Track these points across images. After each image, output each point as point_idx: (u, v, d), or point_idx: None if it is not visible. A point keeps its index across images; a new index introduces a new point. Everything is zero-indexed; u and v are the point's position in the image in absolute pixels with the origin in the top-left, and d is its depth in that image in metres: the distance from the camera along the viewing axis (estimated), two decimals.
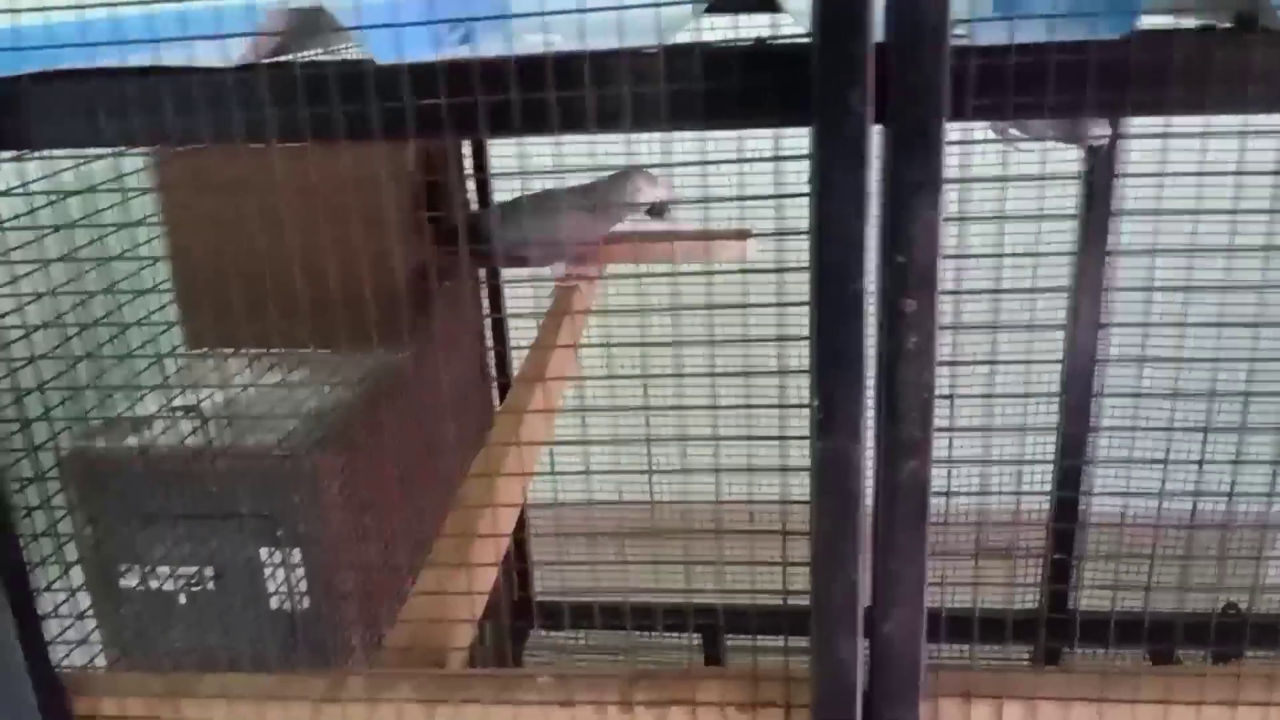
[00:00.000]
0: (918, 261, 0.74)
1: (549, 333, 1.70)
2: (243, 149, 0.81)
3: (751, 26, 1.23)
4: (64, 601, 1.07)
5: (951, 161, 0.73)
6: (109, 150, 1.04)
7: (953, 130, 0.72)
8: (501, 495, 1.24)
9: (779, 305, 0.83)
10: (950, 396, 0.81)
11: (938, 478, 0.81)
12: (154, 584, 1.50)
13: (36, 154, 0.93)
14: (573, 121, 0.77)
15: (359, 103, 0.78)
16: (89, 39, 0.78)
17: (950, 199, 0.74)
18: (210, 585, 1.51)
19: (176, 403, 1.51)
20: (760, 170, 0.82)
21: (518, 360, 2.38)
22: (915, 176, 0.72)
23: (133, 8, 0.78)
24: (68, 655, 1.06)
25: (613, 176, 1.72)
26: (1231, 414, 0.94)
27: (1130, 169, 1.92)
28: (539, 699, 0.98)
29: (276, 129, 0.79)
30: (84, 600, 1.18)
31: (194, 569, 1.50)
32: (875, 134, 0.72)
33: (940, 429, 0.79)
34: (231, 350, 1.58)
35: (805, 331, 0.78)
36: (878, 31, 0.70)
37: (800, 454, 0.84)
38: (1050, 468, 2.31)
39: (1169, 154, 0.94)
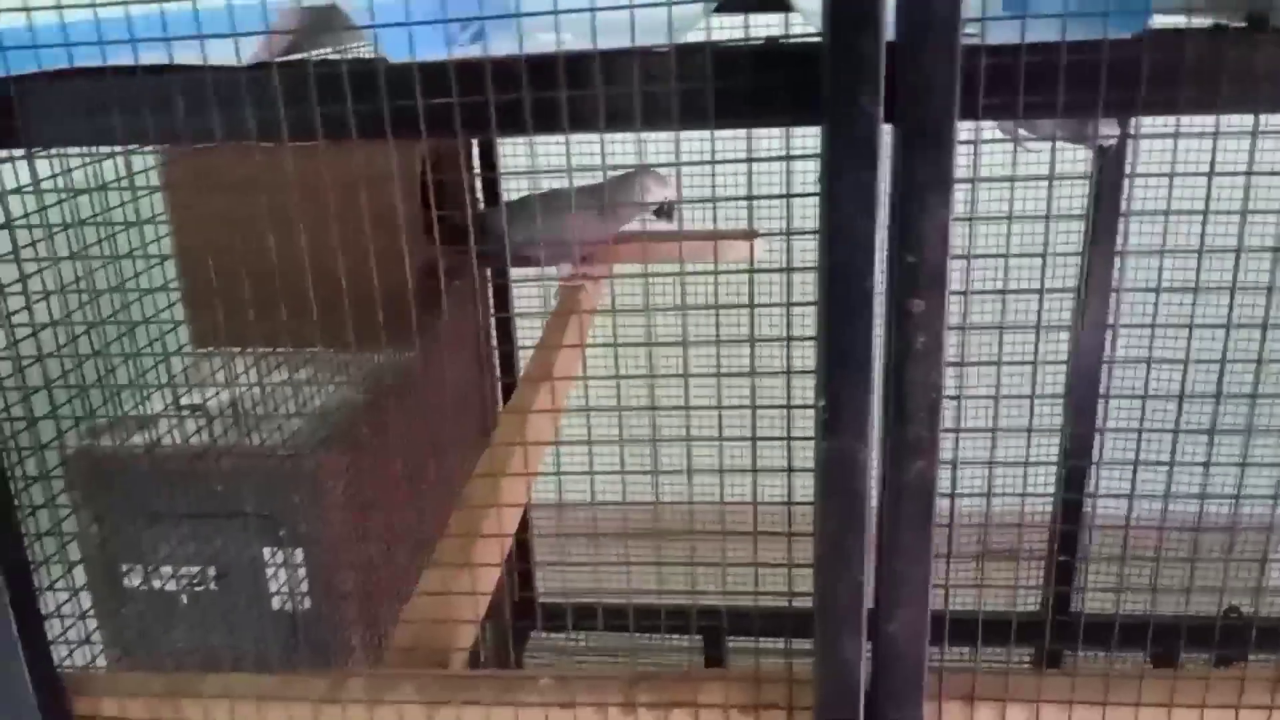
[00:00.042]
0: (927, 261, 0.74)
1: (554, 332, 1.70)
2: (249, 147, 0.82)
3: (762, 26, 1.23)
4: (66, 601, 1.07)
5: (960, 161, 0.73)
6: (105, 151, 1.04)
7: (962, 130, 0.72)
8: (505, 495, 1.23)
9: (786, 305, 0.83)
10: (958, 397, 0.81)
11: (943, 479, 0.81)
12: (157, 584, 1.50)
13: (45, 152, 0.93)
14: (583, 120, 0.77)
15: (371, 102, 0.78)
16: (102, 37, 0.78)
17: (958, 199, 0.74)
18: (213, 585, 1.50)
19: (181, 402, 1.51)
20: (769, 170, 0.82)
21: (522, 359, 2.39)
22: (925, 176, 0.72)
23: (146, 6, 0.78)
24: (69, 655, 1.06)
25: (620, 177, 1.72)
26: (1237, 416, 0.94)
27: (1139, 169, 1.92)
28: (540, 700, 0.98)
29: (288, 128, 0.79)
30: (85, 600, 1.18)
31: (197, 569, 1.50)
32: (885, 133, 0.72)
33: (947, 430, 0.79)
34: (237, 349, 1.57)
35: (811, 331, 0.78)
36: (888, 30, 0.70)
37: (805, 455, 0.84)
38: (1055, 469, 2.31)
39: (1178, 154, 0.94)
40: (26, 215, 0.94)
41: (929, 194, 0.73)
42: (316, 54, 1.09)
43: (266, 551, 1.48)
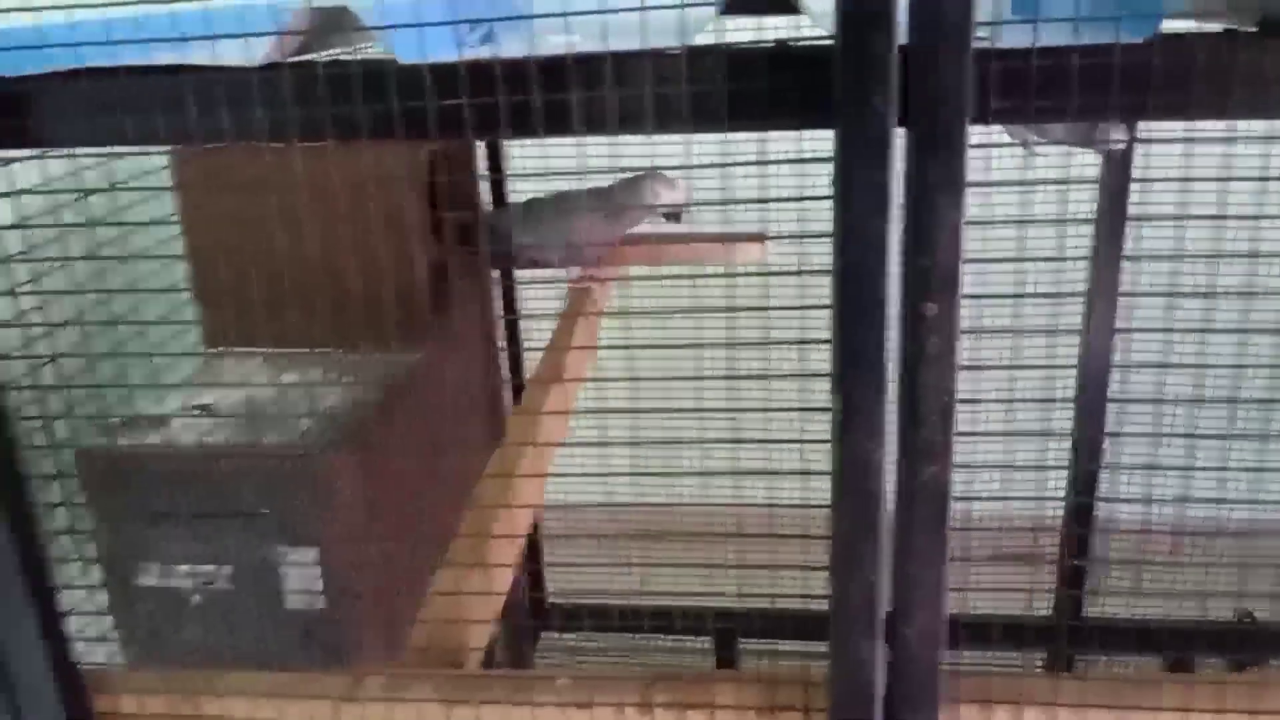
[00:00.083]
0: (940, 265, 0.74)
1: (563, 334, 1.70)
2: (259, 148, 0.82)
3: (774, 28, 1.23)
4: (85, 599, 1.07)
5: (972, 165, 0.73)
6: (103, 151, 1.04)
7: (974, 134, 0.72)
8: (519, 496, 1.24)
9: (800, 308, 0.83)
10: (971, 400, 0.81)
11: (956, 482, 0.81)
12: (169, 583, 1.51)
13: (56, 152, 0.93)
14: (594, 122, 0.77)
15: (381, 102, 0.78)
16: (113, 38, 0.79)
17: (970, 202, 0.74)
18: (225, 584, 1.51)
19: (192, 402, 1.52)
20: (782, 173, 0.82)
21: (529, 361, 2.39)
22: (938, 179, 0.72)
23: (158, 7, 0.79)
24: (89, 652, 1.06)
25: (629, 179, 1.72)
26: (1247, 420, 0.94)
27: (1150, 174, 1.92)
28: (557, 700, 0.98)
29: (299, 128, 0.79)
30: (102, 598, 1.18)
31: (209, 568, 1.50)
32: (898, 136, 0.72)
33: (960, 433, 0.79)
34: (247, 349, 1.58)
35: (825, 334, 0.78)
36: (901, 33, 0.70)
37: (819, 458, 0.84)
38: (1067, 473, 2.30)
39: (1188, 159, 0.94)
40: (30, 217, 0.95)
41: (941, 197, 0.73)
42: (327, 55, 1.10)
43: (279, 551, 1.48)
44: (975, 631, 0.90)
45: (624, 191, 1.71)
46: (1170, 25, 0.77)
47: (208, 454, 1.44)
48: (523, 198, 1.92)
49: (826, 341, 0.78)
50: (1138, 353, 2.06)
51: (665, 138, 0.79)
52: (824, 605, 0.86)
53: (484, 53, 0.78)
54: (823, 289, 0.78)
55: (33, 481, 0.97)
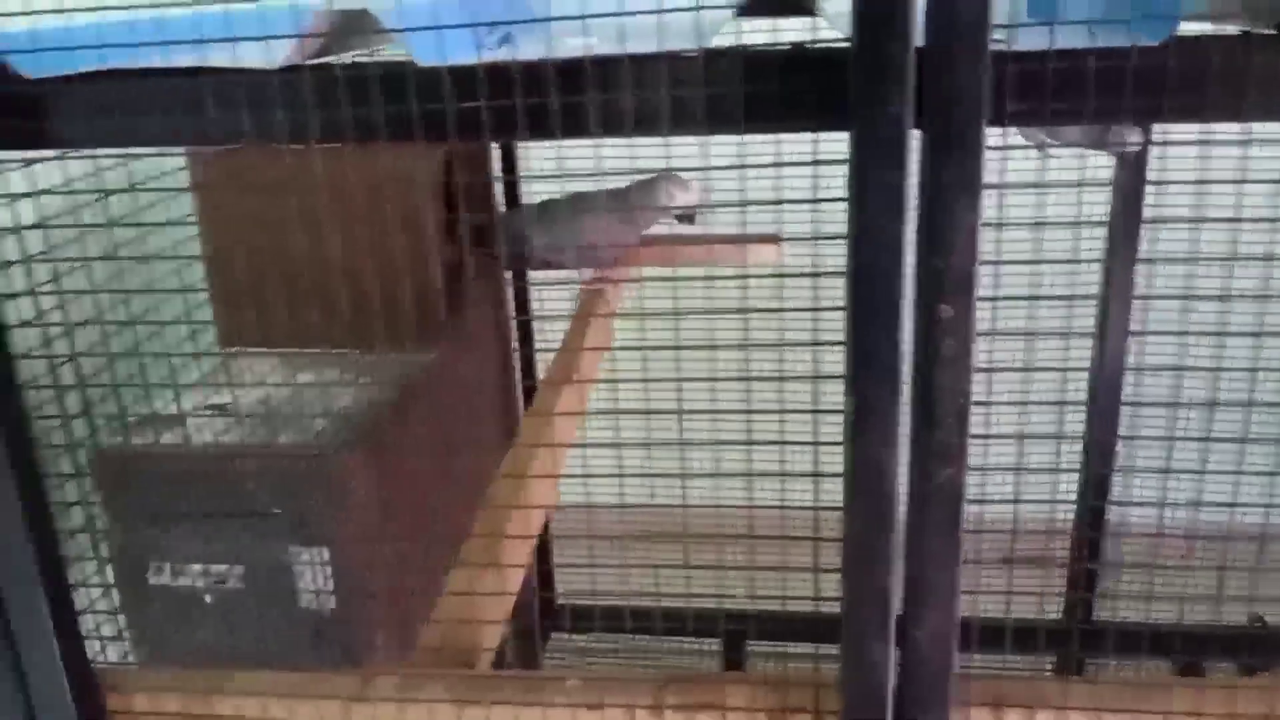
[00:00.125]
0: (955, 267, 0.74)
1: (575, 335, 1.71)
2: (276, 149, 0.82)
3: (790, 30, 1.24)
4: (99, 598, 1.08)
5: (987, 167, 0.73)
6: (121, 152, 1.05)
7: (990, 135, 0.72)
8: (531, 496, 1.24)
9: (814, 310, 0.83)
10: (986, 403, 0.81)
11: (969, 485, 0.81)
12: (182, 582, 1.51)
13: (75, 153, 0.94)
14: (611, 124, 0.77)
15: (400, 104, 0.78)
16: (135, 39, 0.79)
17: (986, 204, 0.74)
18: (238, 584, 1.51)
19: (207, 401, 1.52)
20: (797, 174, 0.82)
21: (541, 362, 2.40)
22: (953, 181, 0.72)
23: (180, 9, 0.79)
24: (102, 651, 1.06)
25: (643, 181, 1.72)
26: (1262, 424, 0.94)
27: (1167, 176, 1.91)
28: (568, 701, 0.98)
29: (319, 130, 0.80)
30: (115, 597, 1.19)
31: (222, 567, 1.51)
32: (913, 138, 0.72)
33: (975, 435, 0.79)
34: (263, 349, 1.59)
35: (840, 336, 0.79)
36: (917, 35, 0.70)
37: (832, 460, 0.84)
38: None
39: (1203, 161, 0.94)
40: (43, 219, 0.95)
41: (957, 199, 0.73)
42: (346, 57, 1.10)
43: (292, 551, 1.49)
44: (985, 634, 0.90)
45: (638, 193, 1.71)
46: (1185, 28, 0.77)
47: (221, 454, 1.45)
48: (538, 199, 1.93)
49: (840, 343, 0.79)
50: (1152, 355, 2.06)
51: (681, 139, 0.80)
52: (835, 607, 0.86)
53: (502, 55, 0.78)
54: (837, 290, 0.78)
55: (50, 480, 0.97)
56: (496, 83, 0.77)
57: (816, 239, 0.82)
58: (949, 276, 0.75)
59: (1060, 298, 0.84)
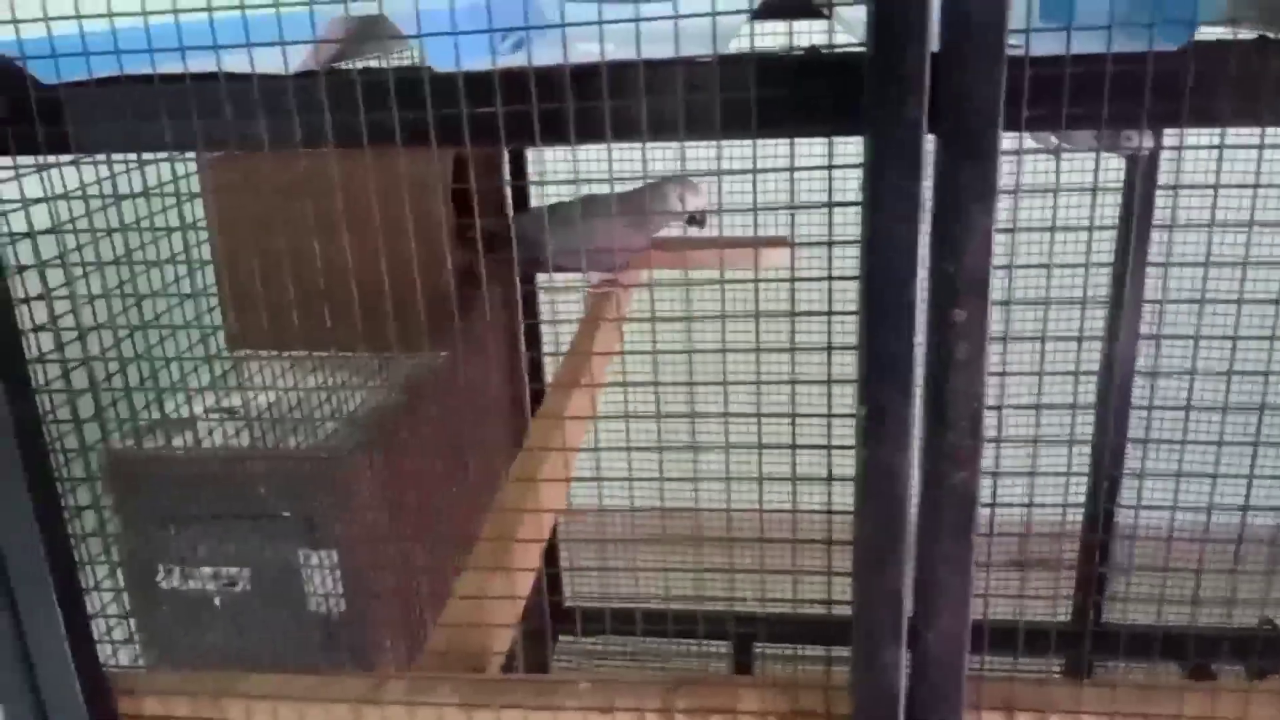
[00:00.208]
0: (969, 271, 0.74)
1: (584, 339, 1.71)
2: (288, 153, 0.82)
3: (805, 33, 1.24)
4: (110, 601, 1.08)
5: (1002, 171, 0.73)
6: (148, 157, 1.05)
7: (1005, 140, 0.72)
8: (541, 500, 1.24)
9: (828, 314, 0.83)
10: (999, 407, 0.81)
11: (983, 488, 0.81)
12: (191, 585, 1.52)
13: (90, 158, 0.94)
14: (626, 129, 0.78)
15: (416, 109, 0.78)
16: (152, 45, 0.79)
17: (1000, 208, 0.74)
18: (247, 587, 1.52)
19: (220, 405, 1.53)
20: (810, 178, 0.82)
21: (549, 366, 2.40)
22: (968, 185, 0.72)
23: (196, 15, 0.80)
24: (114, 654, 1.07)
25: (654, 184, 1.72)
26: (1272, 427, 0.94)
27: (1182, 180, 1.92)
28: (579, 705, 0.98)
29: (334, 135, 0.80)
30: (126, 601, 1.19)
31: (231, 570, 1.51)
32: (928, 143, 0.72)
33: (988, 439, 0.79)
34: (274, 352, 1.59)
35: (852, 340, 0.79)
36: (932, 40, 0.70)
37: (844, 464, 0.84)
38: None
39: (1216, 164, 0.94)
40: (60, 222, 0.95)
41: (971, 203, 0.73)
42: (361, 62, 1.10)
43: (301, 553, 1.49)
44: (995, 637, 0.90)
45: (649, 197, 1.71)
46: (1202, 33, 0.77)
47: (231, 456, 1.45)
48: (548, 201, 1.93)
49: (853, 347, 0.79)
50: (1165, 358, 2.06)
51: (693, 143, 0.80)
52: (845, 610, 0.86)
53: (517, 60, 0.78)
54: (849, 294, 0.78)
55: (61, 484, 0.97)
56: (511, 88, 0.77)
57: (830, 243, 0.82)
58: (963, 280, 0.75)
59: (1073, 301, 0.84)
